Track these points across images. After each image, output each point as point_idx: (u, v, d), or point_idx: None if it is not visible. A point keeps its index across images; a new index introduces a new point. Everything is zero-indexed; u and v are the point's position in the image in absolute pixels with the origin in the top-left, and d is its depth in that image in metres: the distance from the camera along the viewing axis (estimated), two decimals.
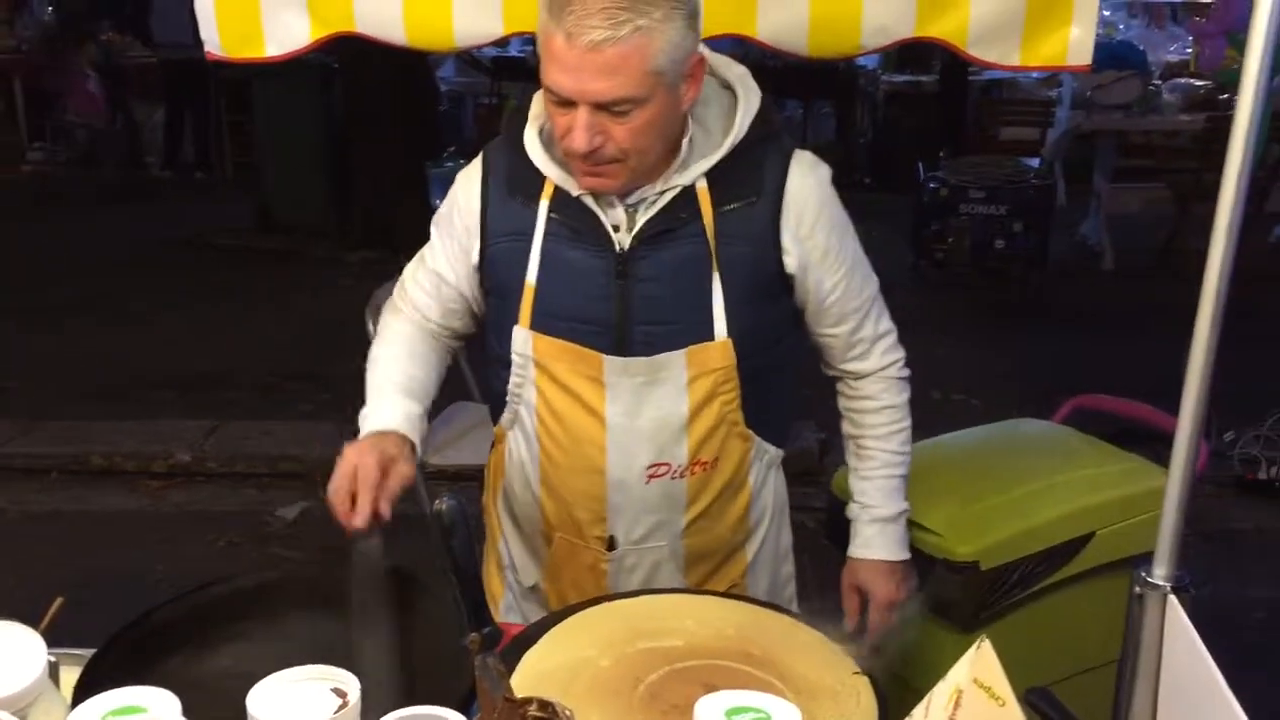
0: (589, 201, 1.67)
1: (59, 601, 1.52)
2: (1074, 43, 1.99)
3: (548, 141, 1.69)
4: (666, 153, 1.64)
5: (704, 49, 1.68)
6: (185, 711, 1.09)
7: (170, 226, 8.27)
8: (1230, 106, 1.61)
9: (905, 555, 1.91)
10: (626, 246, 1.66)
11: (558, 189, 1.68)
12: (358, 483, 1.54)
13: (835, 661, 1.42)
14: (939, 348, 6.03)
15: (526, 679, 1.32)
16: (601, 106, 1.52)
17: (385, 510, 1.51)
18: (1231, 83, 6.70)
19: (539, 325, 1.70)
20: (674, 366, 1.68)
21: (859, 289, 1.81)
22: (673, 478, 1.74)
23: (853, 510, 1.92)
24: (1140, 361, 4.57)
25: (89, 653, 1.44)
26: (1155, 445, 2.83)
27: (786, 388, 1.86)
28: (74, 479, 4.82)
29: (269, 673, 1.09)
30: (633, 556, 1.80)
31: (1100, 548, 2.33)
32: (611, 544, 1.79)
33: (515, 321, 1.71)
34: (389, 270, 1.99)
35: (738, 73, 1.74)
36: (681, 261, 1.66)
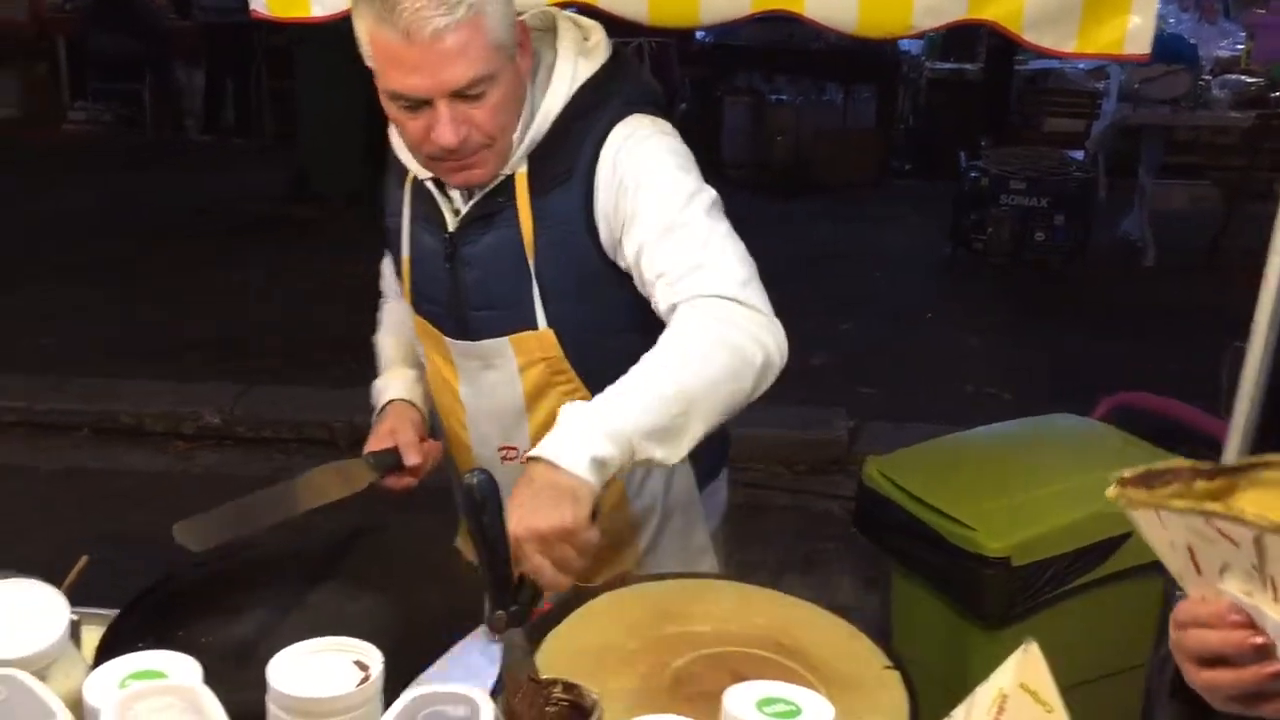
0: (430, 185, 1.66)
1: (84, 560, 1.52)
2: (1133, 31, 1.94)
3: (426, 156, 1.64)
4: None
5: (560, 13, 1.67)
6: (205, 678, 1.07)
7: (209, 190, 8.30)
8: None
9: (581, 471, 1.32)
10: (455, 230, 1.66)
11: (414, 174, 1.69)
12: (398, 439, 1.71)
13: (866, 655, 1.39)
14: (972, 339, 5.97)
15: (551, 659, 1.30)
16: (459, 94, 1.48)
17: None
18: None
19: (413, 303, 1.76)
20: (503, 353, 1.67)
21: (674, 250, 1.51)
22: (521, 462, 1.70)
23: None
24: (1178, 361, 4.49)
25: (110, 613, 1.43)
26: (1194, 447, 2.79)
27: None
28: (103, 437, 4.86)
29: (289, 642, 1.07)
30: None
31: (1135, 549, 2.28)
32: None
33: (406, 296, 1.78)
34: None
35: (573, 41, 1.63)
36: (499, 248, 1.62)
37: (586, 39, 1.65)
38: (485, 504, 1.11)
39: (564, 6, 2.03)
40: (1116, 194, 7.80)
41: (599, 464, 1.32)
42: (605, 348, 1.59)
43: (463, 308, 1.67)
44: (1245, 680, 0.91)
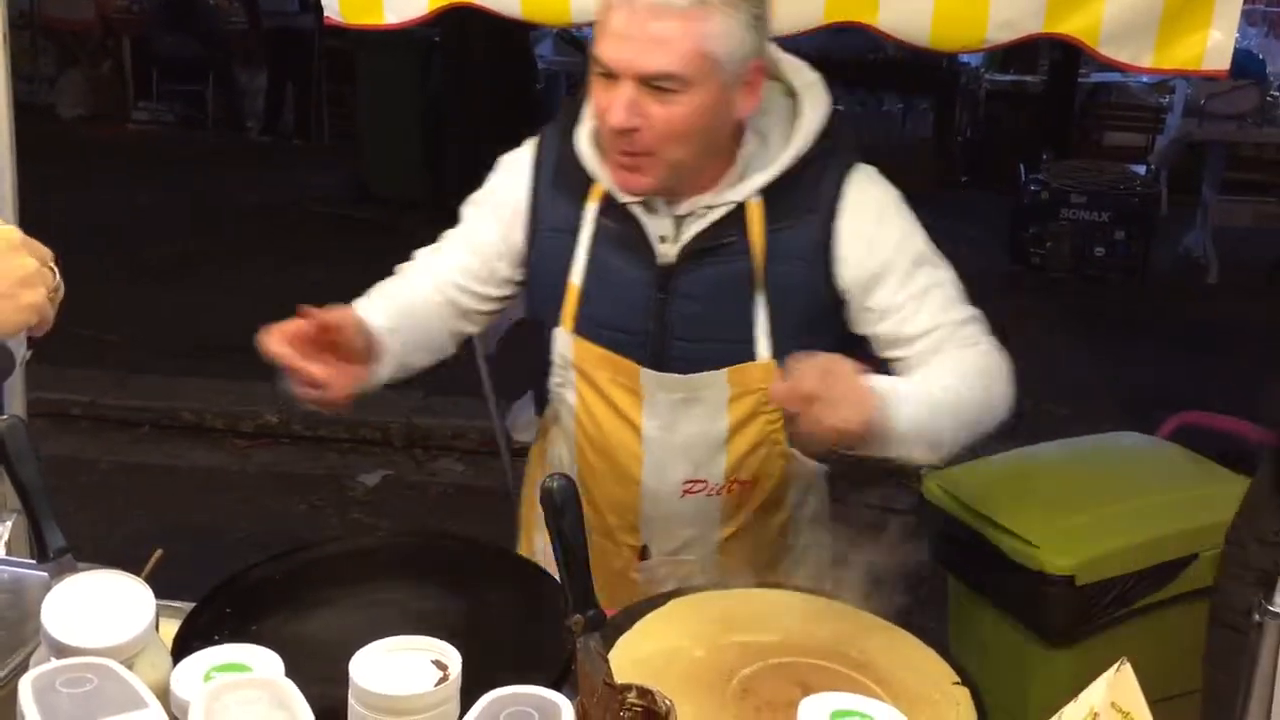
0: (636, 210, 1.62)
1: (158, 554, 1.54)
2: (1212, 47, 1.92)
3: (600, 142, 1.64)
4: (720, 163, 1.59)
5: (775, 51, 1.66)
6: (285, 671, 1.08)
7: (268, 192, 8.40)
8: None
9: (884, 424, 1.45)
10: (671, 260, 1.61)
11: (607, 191, 1.63)
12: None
13: (933, 669, 1.38)
14: (1031, 354, 5.91)
15: (619, 665, 1.30)
16: (646, 82, 1.47)
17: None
18: None
19: (581, 330, 1.67)
20: (715, 386, 1.64)
21: (934, 314, 1.64)
22: (709, 494, 1.70)
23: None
24: (1240, 380, 4.42)
25: (179, 605, 1.45)
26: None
27: None
28: (165, 434, 4.94)
29: (363, 639, 1.08)
30: (665, 568, 1.75)
31: (1200, 572, 2.25)
32: (644, 553, 1.76)
33: (557, 322, 1.69)
34: None
35: (807, 80, 1.67)
36: (725, 280, 1.61)
37: (811, 78, 1.68)
38: (565, 509, 1.12)
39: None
40: (1179, 210, 7.69)
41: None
42: None
43: (667, 339, 1.63)
44: None
